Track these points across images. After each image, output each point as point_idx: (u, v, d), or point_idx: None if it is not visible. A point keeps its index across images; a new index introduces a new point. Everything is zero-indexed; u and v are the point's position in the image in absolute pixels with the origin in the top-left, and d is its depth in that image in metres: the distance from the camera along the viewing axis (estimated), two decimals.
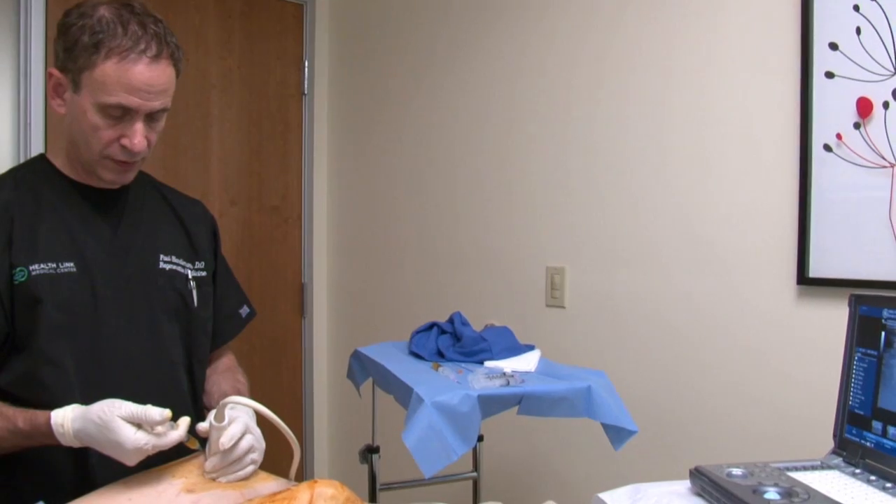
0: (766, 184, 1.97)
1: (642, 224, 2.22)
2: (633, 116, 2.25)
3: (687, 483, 1.30)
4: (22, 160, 2.56)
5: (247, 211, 3.24)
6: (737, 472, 1.23)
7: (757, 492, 1.14)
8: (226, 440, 1.38)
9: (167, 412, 1.32)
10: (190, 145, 3.06)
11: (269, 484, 1.41)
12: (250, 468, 1.42)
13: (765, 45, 1.98)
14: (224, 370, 1.80)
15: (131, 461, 1.32)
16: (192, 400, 1.64)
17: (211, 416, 1.43)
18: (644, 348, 2.21)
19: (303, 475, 3.26)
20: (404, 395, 1.62)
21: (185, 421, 1.37)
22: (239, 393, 1.66)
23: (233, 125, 3.22)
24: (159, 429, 1.32)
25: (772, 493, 1.14)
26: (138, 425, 1.31)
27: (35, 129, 2.72)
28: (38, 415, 1.37)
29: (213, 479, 1.39)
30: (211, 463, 1.40)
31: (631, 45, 2.26)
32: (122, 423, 1.30)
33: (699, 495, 1.26)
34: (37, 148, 2.69)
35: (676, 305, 2.14)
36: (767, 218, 1.97)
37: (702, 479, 1.25)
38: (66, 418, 1.35)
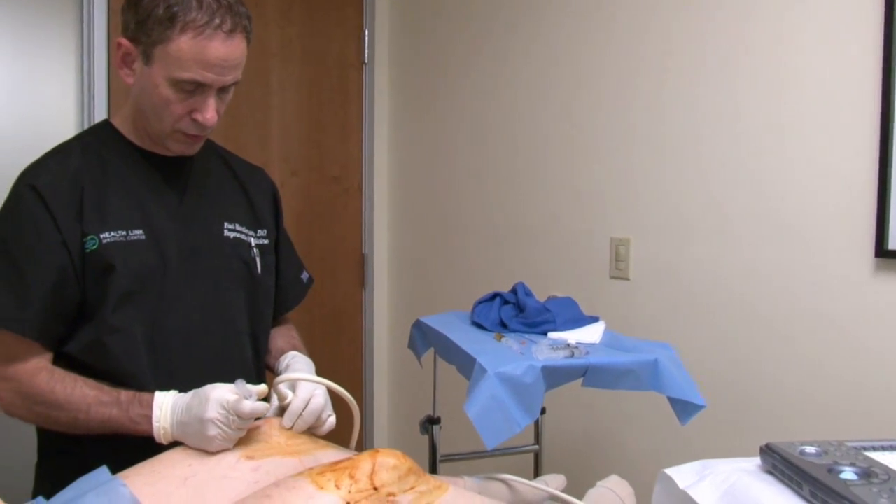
0: (844, 151, 1.90)
1: (711, 193, 2.16)
2: (704, 80, 2.17)
3: (757, 460, 1.27)
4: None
5: (307, 181, 3.24)
6: (810, 450, 1.19)
7: (832, 471, 1.10)
8: (288, 422, 1.44)
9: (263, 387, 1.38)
10: (250, 115, 3.07)
11: (328, 452, 1.41)
12: (330, 420, 1.48)
13: (846, 3, 1.89)
14: (279, 329, 1.82)
15: (212, 431, 1.33)
16: (255, 368, 1.65)
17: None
18: (712, 322, 2.16)
19: (362, 446, 3.28)
20: (467, 365, 1.60)
21: (261, 389, 1.39)
22: (293, 347, 1.71)
23: (293, 95, 3.22)
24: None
25: (848, 473, 1.09)
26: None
27: (98, 98, 2.76)
28: (143, 394, 1.42)
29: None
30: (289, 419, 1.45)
31: (704, 6, 2.18)
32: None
33: (770, 473, 1.23)
34: (100, 117, 2.72)
35: (746, 278, 2.08)
36: (844, 187, 1.90)
37: (773, 456, 1.21)
38: (168, 395, 1.40)
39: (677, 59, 2.24)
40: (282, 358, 1.66)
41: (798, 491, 1.14)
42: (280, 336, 1.78)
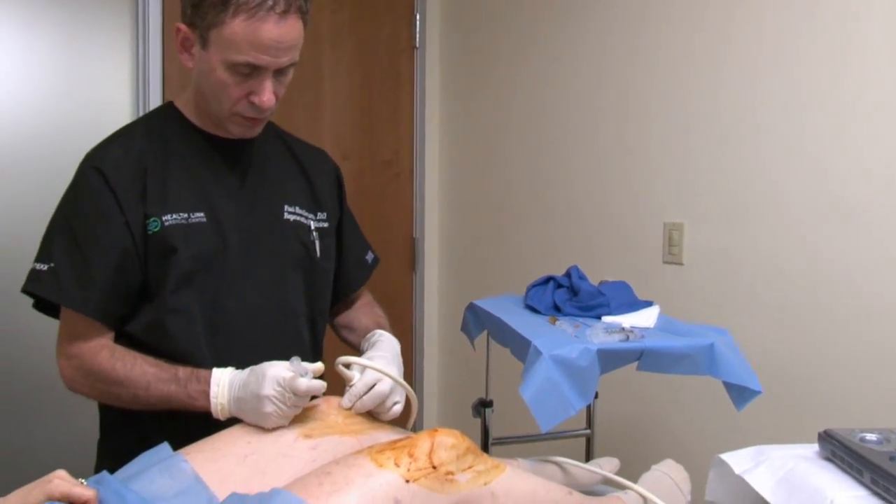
0: None
1: (770, 177, 2.12)
2: (761, 60, 2.13)
3: (814, 447, 1.26)
4: (140, 115, 2.63)
5: (358, 165, 3.26)
6: (871, 437, 1.18)
7: (895, 459, 1.08)
8: (347, 402, 1.45)
9: (319, 365, 1.39)
10: (302, 100, 3.10)
11: (385, 432, 1.43)
12: (396, 409, 1.48)
13: None
14: (362, 306, 1.84)
15: (268, 408, 1.34)
16: (312, 350, 1.67)
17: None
18: (769, 308, 2.13)
19: (413, 428, 3.30)
20: (521, 348, 1.60)
21: (318, 367, 1.40)
22: (379, 326, 1.72)
23: (344, 79, 3.24)
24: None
25: None
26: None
27: (153, 83, 2.80)
28: (201, 371, 1.44)
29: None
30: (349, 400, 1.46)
31: None
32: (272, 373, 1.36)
33: (828, 460, 1.21)
34: (155, 103, 2.76)
35: (806, 265, 2.04)
36: None
37: (832, 443, 1.20)
38: (226, 372, 1.42)
39: (734, 40, 2.20)
40: (368, 336, 1.68)
41: (858, 478, 1.13)
42: (363, 314, 1.80)
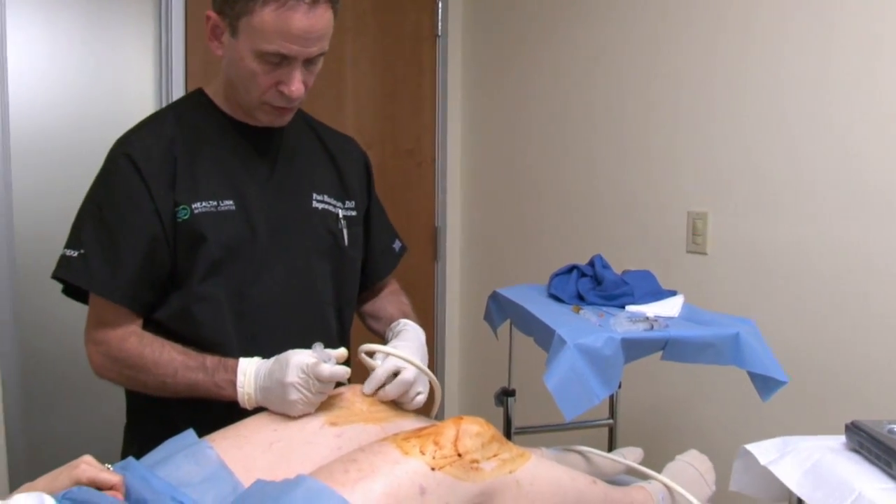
0: None
1: (798, 165, 2.09)
2: (789, 43, 2.09)
3: (841, 438, 1.25)
4: (163, 105, 2.65)
5: (381, 154, 3.26)
6: None
7: None
8: (368, 388, 1.45)
9: (342, 350, 1.40)
10: (324, 89, 3.09)
11: (409, 420, 1.43)
12: (419, 398, 1.47)
13: None
14: (388, 294, 1.84)
15: (293, 395, 1.35)
16: (339, 338, 1.67)
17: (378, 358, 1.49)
18: (795, 299, 2.11)
19: (436, 417, 3.31)
20: (545, 336, 1.60)
21: (341, 353, 1.40)
22: (404, 315, 1.72)
23: (367, 68, 3.24)
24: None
25: None
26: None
27: (176, 73, 2.80)
28: (228, 360, 1.45)
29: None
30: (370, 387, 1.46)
31: None
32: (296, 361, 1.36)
33: (856, 451, 1.21)
34: (177, 93, 2.77)
35: (834, 255, 2.01)
36: None
37: (860, 434, 1.19)
38: (252, 362, 1.43)
39: (760, 25, 2.18)
40: (392, 325, 1.68)
41: (886, 470, 1.12)
42: (389, 303, 1.80)
